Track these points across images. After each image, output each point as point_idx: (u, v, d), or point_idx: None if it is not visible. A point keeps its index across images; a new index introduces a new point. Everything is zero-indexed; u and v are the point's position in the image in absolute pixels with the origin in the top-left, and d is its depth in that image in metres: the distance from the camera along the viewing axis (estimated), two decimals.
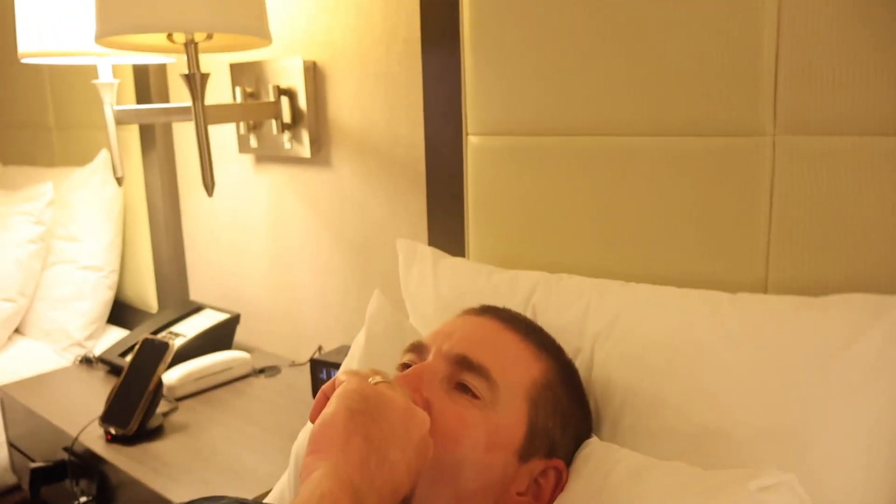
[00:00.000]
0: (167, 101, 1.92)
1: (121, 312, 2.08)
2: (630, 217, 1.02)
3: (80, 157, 2.09)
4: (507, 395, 0.73)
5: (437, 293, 1.08)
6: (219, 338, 1.72)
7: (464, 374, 0.72)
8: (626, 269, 1.02)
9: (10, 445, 1.67)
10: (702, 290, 0.89)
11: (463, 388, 0.72)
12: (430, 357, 0.75)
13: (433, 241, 1.28)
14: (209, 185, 1.31)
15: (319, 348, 1.63)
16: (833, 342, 0.74)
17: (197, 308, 1.80)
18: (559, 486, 0.74)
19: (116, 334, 1.97)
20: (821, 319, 0.77)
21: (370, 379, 0.64)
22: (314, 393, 1.45)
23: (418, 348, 0.78)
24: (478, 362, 0.73)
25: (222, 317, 1.74)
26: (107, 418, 1.34)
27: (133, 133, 1.96)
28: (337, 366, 1.40)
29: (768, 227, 0.90)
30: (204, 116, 1.26)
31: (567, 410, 0.78)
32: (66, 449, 1.36)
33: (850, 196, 0.84)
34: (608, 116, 1.03)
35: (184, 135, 1.93)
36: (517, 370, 0.75)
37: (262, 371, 1.66)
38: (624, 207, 1.03)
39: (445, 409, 0.70)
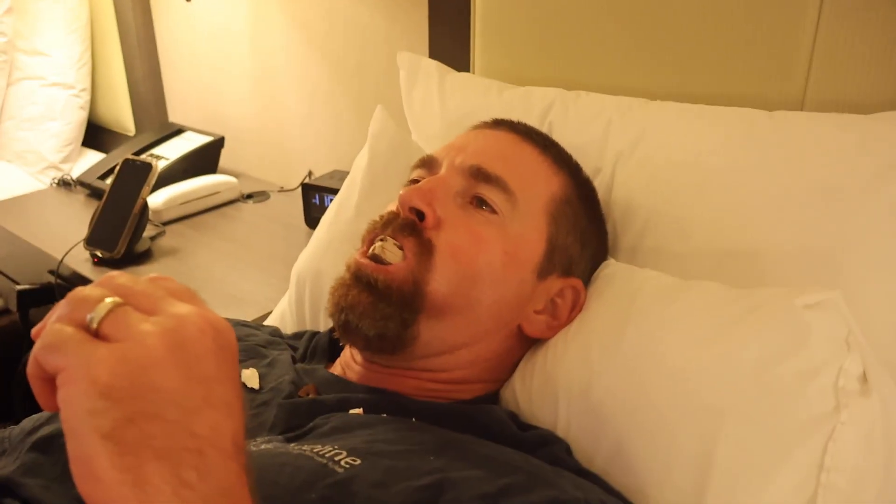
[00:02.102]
0: None
1: (96, 135, 1.98)
2: (655, 28, 0.93)
3: None
4: (526, 209, 0.68)
5: (443, 111, 1.00)
6: (203, 161, 1.64)
7: (480, 186, 0.68)
8: (650, 86, 0.94)
9: None
10: (735, 107, 0.82)
11: (479, 203, 0.67)
12: (443, 171, 0.70)
13: (434, 57, 1.18)
14: None
15: (310, 173, 1.56)
16: (880, 161, 0.69)
17: (177, 130, 1.71)
18: (577, 306, 0.71)
19: (93, 157, 1.88)
20: (868, 137, 0.71)
21: (90, 315, 0.37)
22: (307, 219, 1.40)
23: (429, 163, 0.73)
24: (494, 174, 0.68)
25: (205, 139, 1.65)
26: (92, 241, 1.29)
27: None
28: (330, 190, 1.34)
29: (812, 41, 0.82)
30: None
31: (586, 229, 0.74)
32: (51, 272, 1.32)
33: None
34: None
35: None
36: (536, 183, 0.71)
37: (250, 196, 1.60)
38: (649, 16, 0.93)
39: (459, 226, 0.66)
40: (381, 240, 0.66)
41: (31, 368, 0.37)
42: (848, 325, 0.57)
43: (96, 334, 0.36)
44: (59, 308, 0.38)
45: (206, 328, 0.38)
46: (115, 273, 0.41)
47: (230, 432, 0.37)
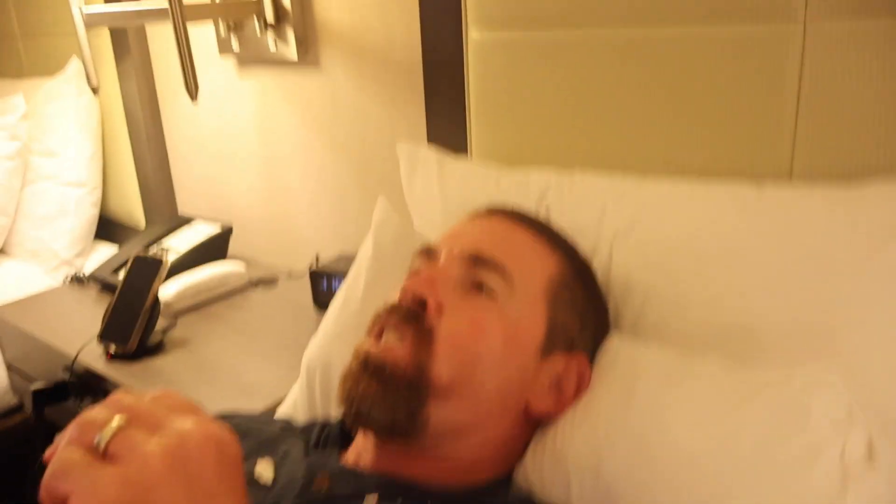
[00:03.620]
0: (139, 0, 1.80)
1: (108, 229, 2.02)
2: (648, 110, 0.97)
3: (50, 67, 1.98)
4: (524, 291, 0.70)
5: (443, 198, 1.04)
6: (212, 251, 1.67)
7: (478, 272, 0.70)
8: (643, 163, 0.97)
9: (9, 367, 1.65)
10: (725, 184, 0.85)
11: (478, 288, 0.69)
12: (442, 260, 0.72)
13: (433, 141, 1.22)
14: (192, 90, 1.24)
15: (317, 258, 1.59)
16: (873, 235, 0.71)
17: (186, 221, 1.75)
18: (582, 382, 0.72)
19: (105, 251, 1.92)
20: (857, 211, 0.74)
21: (97, 438, 0.39)
22: (315, 301, 1.42)
23: (429, 253, 0.75)
24: (492, 259, 0.70)
25: (214, 229, 1.69)
26: (105, 336, 1.31)
27: (104, 39, 1.84)
28: (336, 275, 1.37)
29: (795, 116, 0.85)
30: (182, 14, 1.17)
31: (585, 307, 0.76)
32: (66, 368, 1.34)
33: (883, 80, 0.79)
34: (623, 3, 0.95)
35: (159, 38, 1.82)
36: (533, 266, 0.73)
37: (258, 283, 1.62)
38: (641, 102, 0.97)
39: (459, 312, 0.68)
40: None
41: (43, 493, 0.39)
42: (847, 401, 0.58)
43: (104, 455, 0.39)
44: (70, 430, 0.40)
45: (208, 442, 0.40)
46: (120, 395, 0.43)
47: None
